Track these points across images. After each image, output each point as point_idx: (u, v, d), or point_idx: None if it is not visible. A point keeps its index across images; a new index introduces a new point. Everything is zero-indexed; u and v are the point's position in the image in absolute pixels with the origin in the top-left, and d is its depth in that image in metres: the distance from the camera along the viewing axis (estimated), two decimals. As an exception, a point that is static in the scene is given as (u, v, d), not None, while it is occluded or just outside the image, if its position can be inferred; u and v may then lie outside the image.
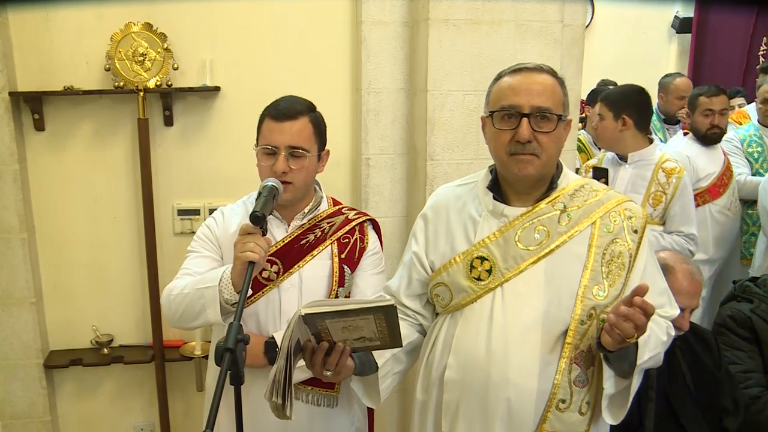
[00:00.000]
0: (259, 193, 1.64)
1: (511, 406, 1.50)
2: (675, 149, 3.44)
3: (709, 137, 3.45)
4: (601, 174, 2.81)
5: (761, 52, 5.39)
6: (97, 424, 2.89)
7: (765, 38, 5.47)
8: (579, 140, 3.80)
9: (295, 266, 1.81)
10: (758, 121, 3.79)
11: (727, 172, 3.49)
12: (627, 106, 2.85)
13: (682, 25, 6.01)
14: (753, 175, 3.66)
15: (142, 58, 2.54)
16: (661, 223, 2.84)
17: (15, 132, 2.53)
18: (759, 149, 3.69)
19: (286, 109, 1.76)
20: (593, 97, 3.97)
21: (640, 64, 5.69)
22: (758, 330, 2.29)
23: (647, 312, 1.33)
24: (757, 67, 4.42)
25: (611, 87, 4.81)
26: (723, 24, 5.71)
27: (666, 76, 4.46)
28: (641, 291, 1.33)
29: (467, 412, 1.55)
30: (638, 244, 1.55)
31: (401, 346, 1.53)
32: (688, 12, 5.96)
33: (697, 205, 3.23)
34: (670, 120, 4.33)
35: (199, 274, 1.75)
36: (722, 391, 2.11)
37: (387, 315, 1.39)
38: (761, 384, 2.24)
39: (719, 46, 5.69)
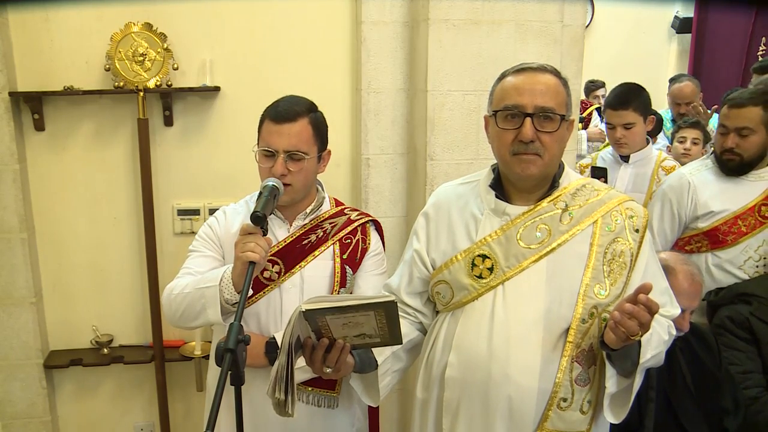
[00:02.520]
0: (260, 193, 1.64)
1: (512, 404, 1.50)
2: (682, 172, 2.62)
3: (724, 163, 2.48)
4: (600, 174, 2.81)
5: (760, 52, 5.39)
6: (97, 424, 2.88)
7: (764, 38, 5.47)
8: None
9: (297, 266, 1.80)
10: None
11: (751, 217, 2.44)
12: (648, 104, 2.87)
13: (682, 25, 6.02)
14: None
15: (142, 58, 2.54)
16: None
17: (15, 132, 2.52)
18: None
19: (285, 111, 1.75)
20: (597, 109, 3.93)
21: (640, 64, 5.70)
22: (757, 331, 2.28)
23: (652, 310, 1.33)
24: (751, 68, 4.39)
25: (598, 86, 4.82)
26: (722, 24, 5.71)
27: (674, 77, 4.43)
28: (645, 289, 1.33)
29: (468, 411, 1.55)
30: (639, 243, 1.55)
31: (401, 344, 1.53)
32: (688, 12, 5.97)
33: (690, 251, 2.52)
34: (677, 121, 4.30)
35: (200, 274, 1.75)
36: (722, 391, 2.11)
37: (387, 311, 1.39)
38: (760, 384, 2.24)
39: (719, 46, 5.69)
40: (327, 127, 1.85)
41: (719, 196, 2.49)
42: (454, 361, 1.56)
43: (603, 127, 3.94)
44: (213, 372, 1.94)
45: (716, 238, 2.47)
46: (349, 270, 1.84)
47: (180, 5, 2.59)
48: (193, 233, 1.95)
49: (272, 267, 1.79)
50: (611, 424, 1.56)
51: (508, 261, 1.52)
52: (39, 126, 2.59)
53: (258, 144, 1.79)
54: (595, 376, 1.53)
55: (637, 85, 2.88)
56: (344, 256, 1.84)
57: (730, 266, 2.46)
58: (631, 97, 2.80)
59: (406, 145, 2.68)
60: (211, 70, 2.62)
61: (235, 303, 1.63)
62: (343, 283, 1.83)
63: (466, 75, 2.46)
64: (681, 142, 3.48)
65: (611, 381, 1.49)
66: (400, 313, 1.52)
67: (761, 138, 2.41)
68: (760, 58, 5.22)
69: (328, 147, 1.87)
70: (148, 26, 2.54)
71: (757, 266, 2.44)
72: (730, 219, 2.45)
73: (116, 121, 2.66)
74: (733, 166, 2.46)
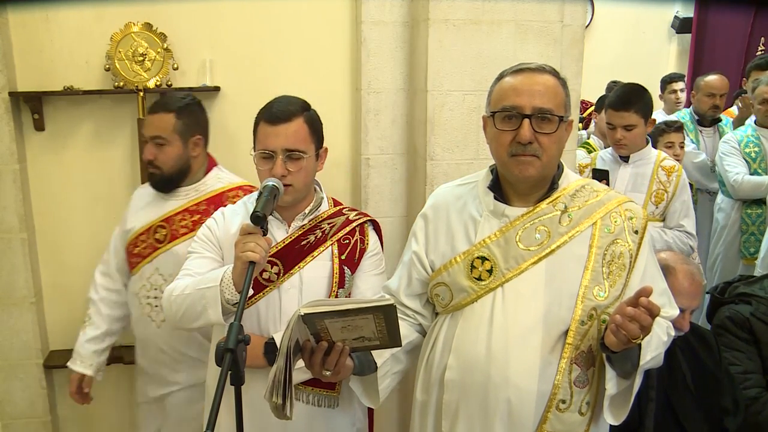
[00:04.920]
0: (260, 193, 1.64)
1: (511, 406, 1.50)
2: None
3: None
4: (602, 175, 2.81)
5: (759, 52, 5.39)
6: (97, 424, 2.88)
7: (763, 38, 5.48)
8: (588, 144, 3.79)
9: (296, 267, 1.80)
10: (755, 122, 3.79)
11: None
12: (650, 106, 2.85)
13: (682, 25, 6.02)
14: (751, 175, 3.66)
15: (142, 58, 2.54)
16: (662, 220, 2.86)
17: (15, 132, 2.53)
18: (756, 149, 3.69)
19: (280, 111, 1.75)
20: (602, 104, 3.90)
21: (640, 64, 5.69)
22: (757, 332, 2.29)
23: (653, 313, 1.34)
24: (748, 66, 4.36)
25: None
26: (722, 24, 5.71)
27: (703, 76, 4.40)
28: (646, 292, 1.34)
29: (467, 413, 1.55)
30: (639, 244, 1.55)
31: (401, 346, 1.54)
32: (688, 12, 5.96)
33: None
34: (703, 122, 4.22)
35: (199, 275, 1.75)
36: (722, 391, 2.11)
37: (386, 315, 1.40)
38: (760, 385, 2.25)
39: (719, 46, 5.69)
40: (321, 124, 1.85)
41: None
42: (454, 363, 1.56)
43: None
44: (213, 372, 1.94)
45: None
46: (347, 271, 1.84)
47: (180, 5, 2.59)
48: (193, 233, 1.95)
49: (271, 268, 1.79)
50: (611, 424, 1.56)
51: (507, 263, 1.52)
52: (39, 126, 2.59)
53: (255, 147, 1.79)
54: (594, 377, 1.53)
55: (640, 86, 2.87)
56: (343, 257, 1.84)
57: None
58: (634, 98, 2.79)
59: (406, 145, 2.68)
60: (211, 70, 2.62)
61: (236, 303, 1.63)
62: (341, 284, 1.83)
63: (466, 75, 2.46)
64: (669, 147, 3.45)
65: (611, 383, 1.49)
66: (399, 315, 1.52)
67: None
68: (759, 58, 5.21)
69: (324, 144, 1.87)
70: (148, 26, 2.54)
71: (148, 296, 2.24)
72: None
73: (116, 121, 2.65)
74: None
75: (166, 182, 2.21)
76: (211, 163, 2.30)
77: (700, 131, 4.23)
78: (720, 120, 4.23)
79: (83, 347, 2.32)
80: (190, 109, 2.20)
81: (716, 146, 4.15)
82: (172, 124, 2.15)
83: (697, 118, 4.21)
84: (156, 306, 2.21)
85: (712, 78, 4.17)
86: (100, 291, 2.36)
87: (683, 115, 4.24)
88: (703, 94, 4.16)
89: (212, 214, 2.09)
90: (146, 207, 2.27)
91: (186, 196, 2.23)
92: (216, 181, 2.26)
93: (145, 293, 2.24)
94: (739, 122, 4.09)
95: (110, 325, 2.35)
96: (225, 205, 2.14)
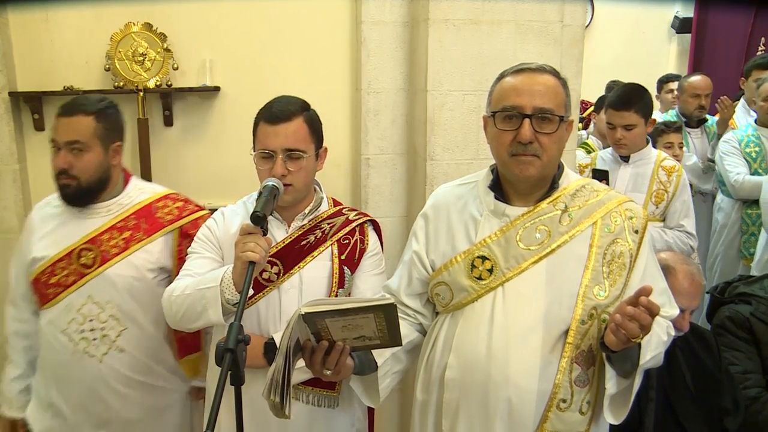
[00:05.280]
0: (260, 193, 1.64)
1: (511, 405, 1.50)
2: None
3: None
4: (601, 176, 2.81)
5: (759, 52, 5.39)
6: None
7: (763, 38, 5.48)
8: (587, 144, 3.78)
9: (296, 267, 1.80)
10: (756, 121, 3.79)
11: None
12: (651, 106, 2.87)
13: (681, 25, 6.02)
14: (751, 174, 3.66)
15: (141, 58, 2.55)
16: (662, 220, 2.86)
17: (15, 132, 2.53)
18: (757, 149, 3.68)
19: (280, 111, 1.75)
20: (601, 104, 3.88)
21: (640, 64, 5.69)
22: (756, 331, 2.29)
23: (653, 312, 1.34)
24: (750, 64, 4.34)
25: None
26: (722, 24, 5.71)
27: (685, 76, 4.39)
28: (646, 292, 1.34)
29: (468, 412, 1.55)
30: (639, 244, 1.55)
31: (401, 345, 1.54)
32: (687, 12, 5.97)
33: None
34: (690, 122, 4.19)
35: (199, 275, 1.75)
36: (722, 391, 2.11)
37: (387, 314, 1.40)
38: (759, 384, 2.25)
39: (719, 46, 5.69)
40: (321, 124, 1.85)
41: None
42: (454, 362, 1.56)
43: None
44: (213, 372, 1.94)
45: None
46: (347, 271, 1.84)
47: (180, 5, 2.59)
48: (193, 233, 1.95)
49: (271, 268, 1.79)
50: (611, 423, 1.56)
51: (507, 262, 1.52)
52: (39, 126, 2.60)
53: (254, 147, 1.79)
54: (594, 376, 1.53)
55: (640, 86, 2.88)
56: (342, 257, 1.84)
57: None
58: (634, 98, 2.80)
59: (406, 145, 2.68)
60: (211, 70, 2.63)
61: (236, 303, 1.63)
62: (341, 284, 1.83)
63: (466, 75, 2.46)
64: (668, 147, 3.44)
65: (611, 382, 1.49)
66: (399, 314, 1.52)
67: None
68: (759, 58, 5.20)
69: (324, 144, 1.87)
70: (148, 26, 2.55)
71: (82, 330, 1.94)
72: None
73: (116, 121, 2.66)
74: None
75: (83, 195, 1.93)
76: (126, 174, 2.07)
77: (688, 132, 4.21)
78: (706, 120, 4.22)
79: (8, 389, 2.07)
80: (109, 112, 1.96)
81: (705, 147, 4.16)
82: (92, 128, 1.89)
83: (684, 119, 4.21)
84: (94, 339, 1.93)
85: (695, 78, 4.17)
86: (12, 324, 2.08)
87: (669, 117, 4.23)
88: (688, 95, 4.16)
89: (143, 228, 1.96)
90: (58, 229, 1.98)
91: (108, 212, 1.98)
92: (139, 192, 2.04)
93: (77, 327, 1.93)
94: (722, 123, 4.08)
95: (29, 356, 2.07)
96: (155, 217, 2.01)
